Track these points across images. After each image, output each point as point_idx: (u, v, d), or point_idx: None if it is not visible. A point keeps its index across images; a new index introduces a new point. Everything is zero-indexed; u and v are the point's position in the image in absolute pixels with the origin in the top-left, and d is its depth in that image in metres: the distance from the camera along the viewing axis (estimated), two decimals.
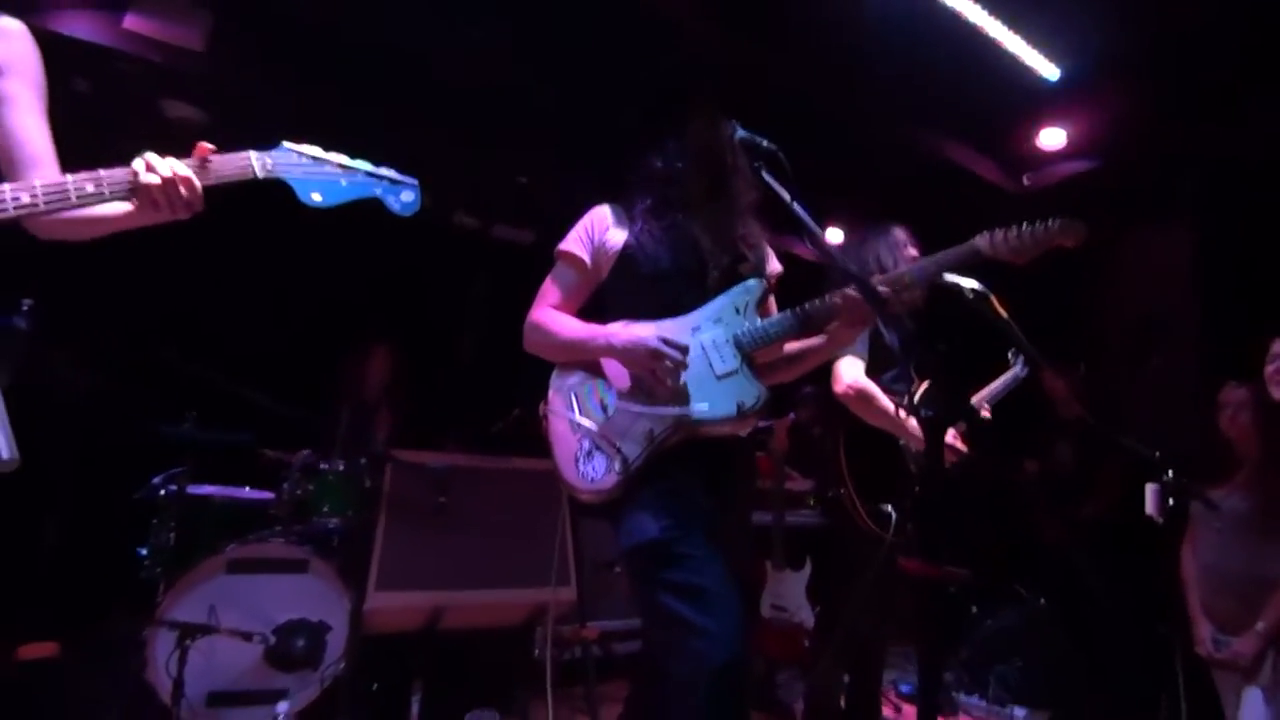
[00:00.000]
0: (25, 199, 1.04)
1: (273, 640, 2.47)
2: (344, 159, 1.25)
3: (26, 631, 2.49)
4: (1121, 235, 4.26)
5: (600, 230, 1.66)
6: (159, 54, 3.02)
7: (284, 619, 2.54)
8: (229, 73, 3.18)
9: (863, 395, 2.08)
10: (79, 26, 2.90)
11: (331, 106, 3.25)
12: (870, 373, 2.13)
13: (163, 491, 2.66)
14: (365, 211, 1.28)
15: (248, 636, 2.41)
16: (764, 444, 3.65)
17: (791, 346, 1.72)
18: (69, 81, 3.03)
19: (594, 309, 1.68)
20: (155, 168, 1.09)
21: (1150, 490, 2.41)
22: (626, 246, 1.62)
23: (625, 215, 1.67)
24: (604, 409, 1.55)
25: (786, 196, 1.47)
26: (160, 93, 3.28)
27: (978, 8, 2.97)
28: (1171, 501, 2.35)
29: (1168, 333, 4.03)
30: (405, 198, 1.28)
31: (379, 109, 3.34)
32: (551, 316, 1.63)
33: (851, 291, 1.52)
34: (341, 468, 2.90)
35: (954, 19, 2.99)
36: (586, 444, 1.53)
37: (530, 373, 1.72)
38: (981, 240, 1.53)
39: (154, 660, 2.31)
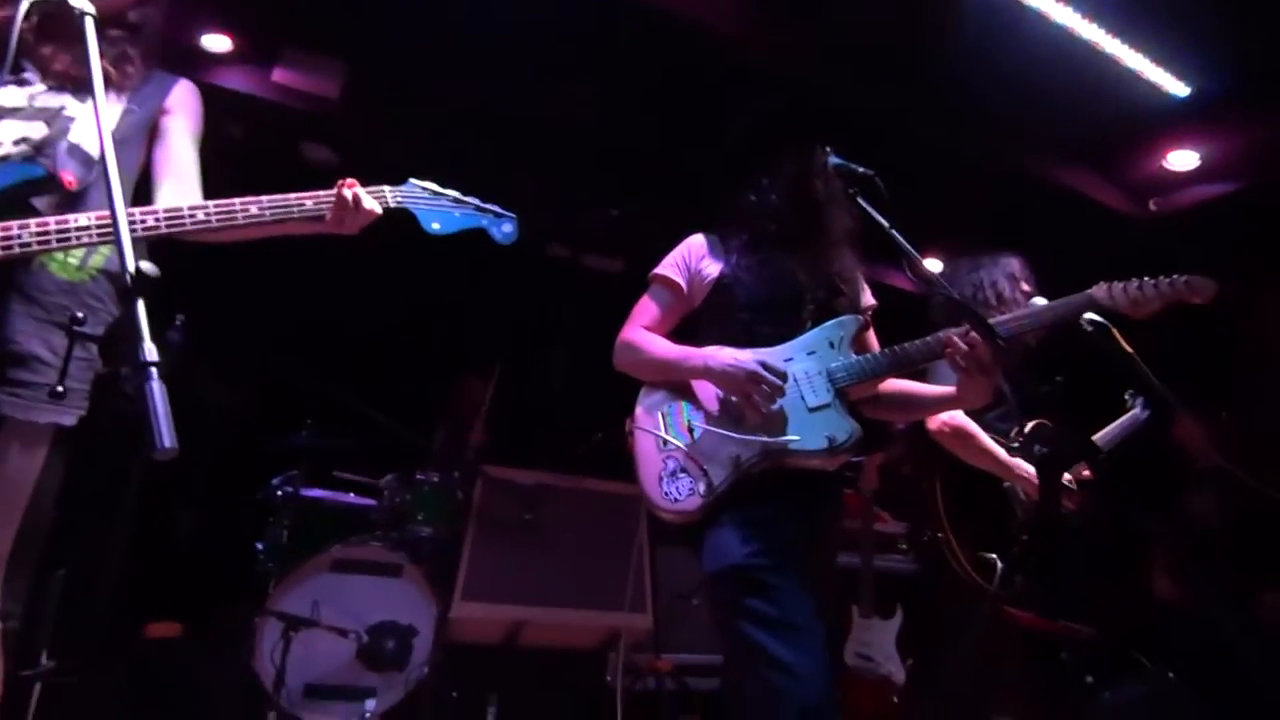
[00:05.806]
0: (254, 210, 1.27)
1: (365, 639, 2.62)
2: (457, 194, 1.46)
3: (156, 611, 2.77)
4: (1266, 263, 3.81)
5: (696, 258, 1.69)
6: (301, 102, 3.41)
7: (376, 619, 2.67)
8: (358, 119, 3.53)
9: (960, 433, 1.96)
10: (235, 79, 3.34)
11: (442, 148, 3.52)
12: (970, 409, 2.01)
13: (279, 492, 2.92)
14: (467, 244, 1.46)
15: (344, 633, 2.57)
16: (852, 481, 3.50)
17: (904, 388, 1.67)
18: (223, 127, 3.47)
19: (685, 338, 1.69)
20: (360, 196, 1.33)
21: None
22: (722, 276, 1.64)
23: (720, 247, 1.69)
24: (690, 430, 1.55)
25: (885, 223, 1.44)
26: (301, 137, 3.68)
27: (1091, 25, 2.81)
28: None
29: None
30: (505, 229, 1.49)
31: (483, 151, 3.60)
32: (645, 336, 1.66)
33: (968, 332, 1.43)
34: (436, 479, 3.06)
35: (1066, 37, 2.84)
36: (671, 463, 1.53)
37: (615, 398, 1.75)
38: (1099, 290, 1.49)
39: (260, 648, 2.50)
